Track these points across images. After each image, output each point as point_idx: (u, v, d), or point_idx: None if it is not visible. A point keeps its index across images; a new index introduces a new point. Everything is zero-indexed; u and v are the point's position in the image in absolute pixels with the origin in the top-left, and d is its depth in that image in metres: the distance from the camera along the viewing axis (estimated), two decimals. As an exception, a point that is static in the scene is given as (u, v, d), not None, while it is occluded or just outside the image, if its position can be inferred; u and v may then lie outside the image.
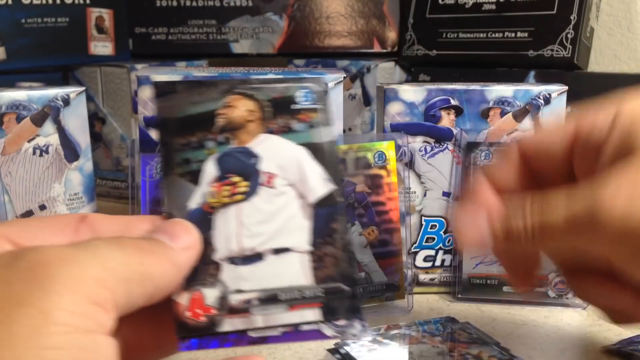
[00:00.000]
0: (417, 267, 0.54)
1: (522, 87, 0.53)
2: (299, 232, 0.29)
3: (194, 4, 0.80)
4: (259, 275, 0.28)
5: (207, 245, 0.28)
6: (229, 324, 0.27)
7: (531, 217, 0.29)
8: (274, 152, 0.30)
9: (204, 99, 0.30)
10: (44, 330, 0.20)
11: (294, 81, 0.31)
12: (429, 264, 0.54)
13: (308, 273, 0.28)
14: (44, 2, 0.71)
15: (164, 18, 0.80)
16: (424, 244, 0.54)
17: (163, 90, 0.30)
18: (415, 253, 0.54)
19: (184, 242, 0.26)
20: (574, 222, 0.27)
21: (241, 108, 0.30)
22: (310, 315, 0.28)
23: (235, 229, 0.28)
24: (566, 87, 0.52)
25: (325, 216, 0.29)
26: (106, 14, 0.78)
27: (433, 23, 0.75)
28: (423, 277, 0.55)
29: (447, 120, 0.53)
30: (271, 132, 0.30)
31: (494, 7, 0.71)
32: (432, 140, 0.53)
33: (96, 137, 0.76)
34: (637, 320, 0.33)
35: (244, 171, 0.29)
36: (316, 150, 0.30)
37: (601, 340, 0.45)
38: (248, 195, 0.29)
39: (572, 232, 0.28)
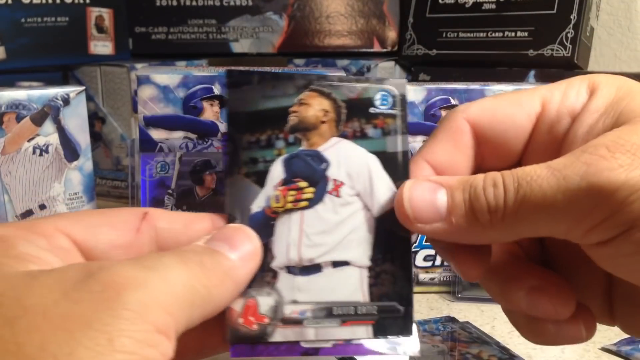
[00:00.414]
0: (417, 267, 0.54)
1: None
2: (360, 246, 0.27)
3: (194, 3, 0.80)
4: (316, 287, 0.27)
5: (266, 251, 0.27)
6: (280, 334, 0.26)
7: (505, 192, 0.25)
8: (345, 158, 0.28)
9: (278, 93, 0.28)
10: (107, 357, 0.19)
11: (374, 82, 0.29)
12: (429, 264, 0.54)
13: (365, 289, 0.27)
14: (44, 1, 0.71)
15: (164, 18, 0.80)
16: (423, 243, 0.54)
17: (236, 81, 0.28)
18: (415, 252, 0.54)
19: (244, 251, 0.25)
20: (567, 194, 0.24)
21: (315, 107, 0.28)
22: (362, 332, 0.27)
23: (296, 237, 0.27)
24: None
25: (389, 231, 0.28)
26: (106, 13, 0.78)
27: (433, 22, 0.75)
28: (423, 276, 0.55)
29: (447, 119, 0.53)
30: (345, 136, 0.28)
31: (494, 6, 0.71)
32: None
33: (96, 137, 0.76)
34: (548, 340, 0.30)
35: (311, 176, 0.28)
36: (388, 160, 0.28)
37: (600, 339, 0.45)
38: (313, 202, 0.27)
39: (560, 206, 0.24)
